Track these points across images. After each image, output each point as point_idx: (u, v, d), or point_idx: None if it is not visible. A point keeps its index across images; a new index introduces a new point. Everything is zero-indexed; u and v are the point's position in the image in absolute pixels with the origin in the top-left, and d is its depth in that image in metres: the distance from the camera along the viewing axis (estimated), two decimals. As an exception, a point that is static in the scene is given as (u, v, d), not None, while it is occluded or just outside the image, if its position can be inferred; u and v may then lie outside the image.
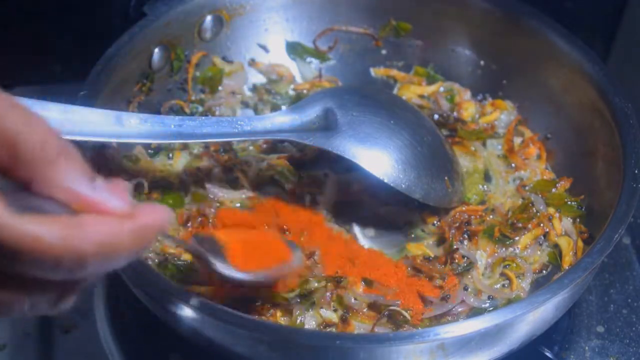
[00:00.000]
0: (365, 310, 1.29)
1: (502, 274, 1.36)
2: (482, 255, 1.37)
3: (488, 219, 1.42)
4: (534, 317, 1.16)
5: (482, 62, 1.62)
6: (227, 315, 1.12)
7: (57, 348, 1.38)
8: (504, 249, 1.38)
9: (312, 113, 1.41)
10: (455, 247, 1.36)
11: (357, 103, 1.42)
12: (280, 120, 1.40)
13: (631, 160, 1.29)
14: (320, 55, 1.67)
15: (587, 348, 1.39)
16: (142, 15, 1.48)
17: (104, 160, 1.37)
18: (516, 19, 1.54)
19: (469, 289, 1.32)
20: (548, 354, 1.35)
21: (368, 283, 1.31)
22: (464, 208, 1.44)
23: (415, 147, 1.39)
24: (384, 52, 1.68)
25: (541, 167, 1.51)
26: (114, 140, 1.33)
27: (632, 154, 1.30)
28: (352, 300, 1.28)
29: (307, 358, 1.17)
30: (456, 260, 1.35)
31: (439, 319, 1.28)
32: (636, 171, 1.28)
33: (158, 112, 1.53)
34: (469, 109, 1.60)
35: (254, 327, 1.11)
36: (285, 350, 1.15)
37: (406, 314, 1.26)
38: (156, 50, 1.50)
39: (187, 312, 1.13)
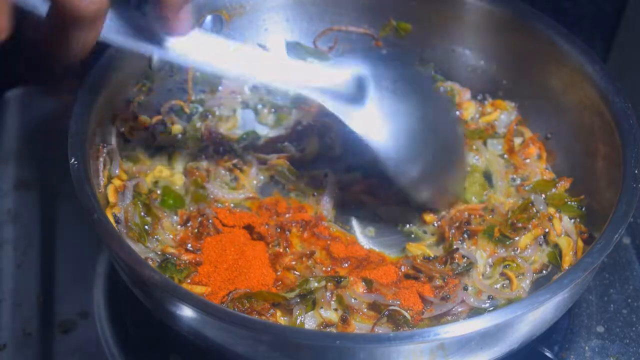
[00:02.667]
0: (365, 310, 1.29)
1: (502, 274, 1.36)
2: (482, 255, 1.37)
3: (488, 218, 1.42)
4: (534, 317, 1.16)
5: (482, 62, 1.62)
6: (227, 315, 1.12)
7: (57, 348, 1.38)
8: (503, 249, 1.38)
9: (343, 76, 1.34)
10: (455, 247, 1.36)
11: (392, 80, 1.36)
12: (311, 72, 1.33)
13: (631, 160, 1.29)
14: (320, 55, 1.67)
15: (587, 348, 1.39)
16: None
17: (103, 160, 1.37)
18: (516, 18, 1.54)
19: (469, 289, 1.32)
20: (548, 354, 1.35)
21: (368, 283, 1.31)
22: (463, 207, 1.44)
23: (431, 148, 1.38)
24: (384, 52, 1.68)
25: (541, 167, 1.51)
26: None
27: (632, 154, 1.30)
28: (352, 300, 1.28)
29: (307, 358, 1.17)
30: (456, 260, 1.35)
31: (439, 319, 1.28)
32: (636, 171, 1.28)
33: (158, 112, 1.53)
34: (469, 109, 1.60)
35: (254, 327, 1.11)
36: (285, 350, 1.15)
37: (406, 314, 1.26)
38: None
39: (187, 312, 1.13)
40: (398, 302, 1.28)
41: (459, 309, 1.29)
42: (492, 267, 1.36)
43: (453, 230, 1.39)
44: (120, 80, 1.43)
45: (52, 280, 1.46)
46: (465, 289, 1.32)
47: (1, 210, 1.57)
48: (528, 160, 1.52)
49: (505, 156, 1.54)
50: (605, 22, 1.89)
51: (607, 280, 1.48)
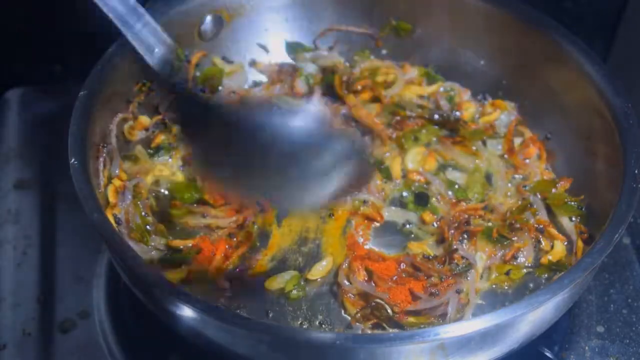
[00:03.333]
0: (352, 296, 1.31)
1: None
2: (482, 257, 1.37)
3: (487, 217, 1.42)
4: (534, 317, 1.16)
5: (482, 62, 1.62)
6: (227, 315, 1.12)
7: (57, 348, 1.38)
8: (502, 251, 1.37)
9: None
10: (454, 247, 1.36)
11: None
12: None
13: (631, 160, 1.29)
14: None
15: (587, 348, 1.39)
16: (142, 15, 1.48)
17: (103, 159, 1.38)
18: (516, 18, 1.54)
19: (462, 293, 1.31)
20: (548, 354, 1.35)
21: (369, 273, 1.32)
22: (464, 207, 1.44)
23: None
24: (384, 52, 1.68)
25: (541, 167, 1.51)
26: None
27: (632, 154, 1.30)
28: (345, 282, 1.31)
29: (307, 358, 1.17)
30: (455, 261, 1.35)
31: (425, 318, 1.28)
32: (636, 171, 1.28)
33: (158, 112, 1.53)
34: (469, 109, 1.60)
35: (254, 327, 1.11)
36: (285, 350, 1.15)
37: (387, 309, 1.26)
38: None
39: (187, 312, 1.13)
40: (386, 296, 1.28)
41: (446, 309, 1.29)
42: (490, 271, 1.37)
43: (452, 231, 1.39)
44: (120, 80, 1.43)
45: (52, 280, 1.46)
46: (458, 292, 1.31)
47: (1, 210, 1.57)
48: (528, 161, 1.52)
49: (506, 156, 1.54)
50: (605, 22, 1.89)
51: (607, 280, 1.48)
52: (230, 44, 1.62)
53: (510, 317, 1.11)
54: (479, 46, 1.61)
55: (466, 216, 1.42)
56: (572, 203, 1.42)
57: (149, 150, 1.50)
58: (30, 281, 1.46)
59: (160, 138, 1.52)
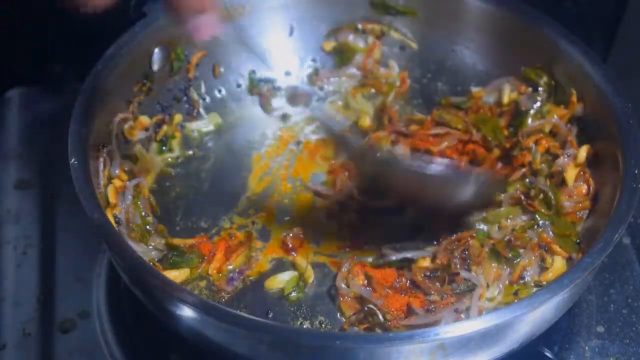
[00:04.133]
0: (349, 299, 1.31)
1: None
2: (490, 281, 1.32)
3: (482, 238, 1.37)
4: (534, 317, 1.16)
5: (481, 62, 1.62)
6: (227, 315, 1.12)
7: (57, 348, 1.38)
8: (508, 270, 1.33)
9: None
10: (457, 271, 1.32)
11: None
12: None
13: (631, 160, 1.29)
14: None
15: (587, 348, 1.39)
16: (142, 15, 1.48)
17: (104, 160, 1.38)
18: (516, 19, 1.54)
19: (462, 312, 1.27)
20: (548, 354, 1.35)
21: (368, 278, 1.32)
22: (453, 237, 1.37)
23: None
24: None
25: (585, 202, 1.40)
26: None
27: (632, 154, 1.30)
28: (342, 284, 1.31)
29: (307, 358, 1.17)
30: (457, 282, 1.31)
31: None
32: (636, 171, 1.28)
33: (158, 113, 1.53)
34: (571, 173, 1.43)
35: (254, 327, 1.11)
36: (285, 350, 1.15)
37: (379, 315, 1.26)
38: (156, 50, 1.50)
39: (187, 312, 1.13)
40: (381, 302, 1.28)
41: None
42: (500, 293, 1.32)
43: (456, 261, 1.34)
44: (120, 80, 1.43)
45: (52, 280, 1.46)
46: (457, 311, 1.27)
47: (1, 210, 1.57)
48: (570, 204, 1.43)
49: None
50: (605, 22, 1.89)
51: (607, 280, 1.48)
52: (230, 43, 1.62)
53: (510, 317, 1.11)
54: (478, 46, 1.61)
55: (457, 243, 1.36)
56: (573, 238, 1.36)
57: (155, 143, 1.51)
58: (30, 281, 1.46)
59: (164, 129, 1.53)
